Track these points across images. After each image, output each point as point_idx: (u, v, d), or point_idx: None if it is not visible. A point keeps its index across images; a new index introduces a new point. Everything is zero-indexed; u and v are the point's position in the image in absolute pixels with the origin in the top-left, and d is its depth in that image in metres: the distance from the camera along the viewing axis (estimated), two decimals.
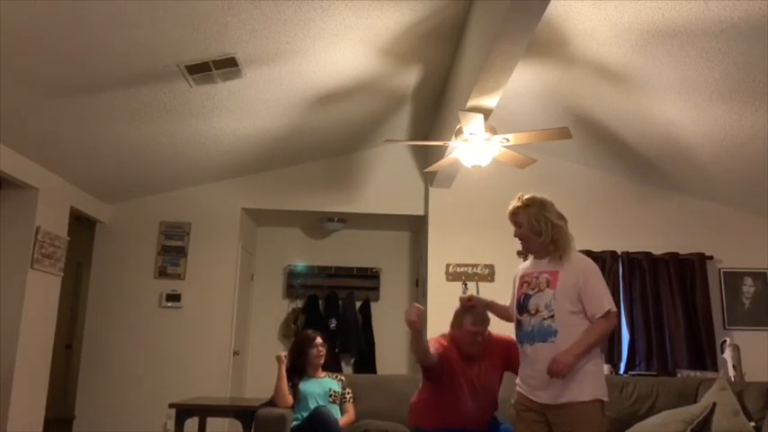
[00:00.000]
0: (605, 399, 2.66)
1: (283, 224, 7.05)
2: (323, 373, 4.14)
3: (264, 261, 7.05)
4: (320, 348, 4.13)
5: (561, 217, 2.98)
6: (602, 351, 2.87)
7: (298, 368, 4.07)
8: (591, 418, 2.61)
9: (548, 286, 2.75)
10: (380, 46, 4.29)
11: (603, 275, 5.93)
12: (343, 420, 3.86)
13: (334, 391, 4.01)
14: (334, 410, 3.90)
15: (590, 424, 2.61)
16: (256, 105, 4.78)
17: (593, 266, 2.81)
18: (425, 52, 4.60)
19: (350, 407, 4.03)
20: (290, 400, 3.91)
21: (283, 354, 4.09)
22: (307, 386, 4.00)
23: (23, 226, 4.85)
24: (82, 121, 4.44)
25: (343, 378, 4.18)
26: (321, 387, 4.00)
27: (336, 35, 4.03)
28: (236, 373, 6.20)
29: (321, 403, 3.88)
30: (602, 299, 2.70)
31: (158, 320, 5.98)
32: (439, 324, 5.91)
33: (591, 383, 2.64)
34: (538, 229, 2.88)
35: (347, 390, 4.08)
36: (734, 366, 5.05)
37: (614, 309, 2.69)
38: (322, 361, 4.14)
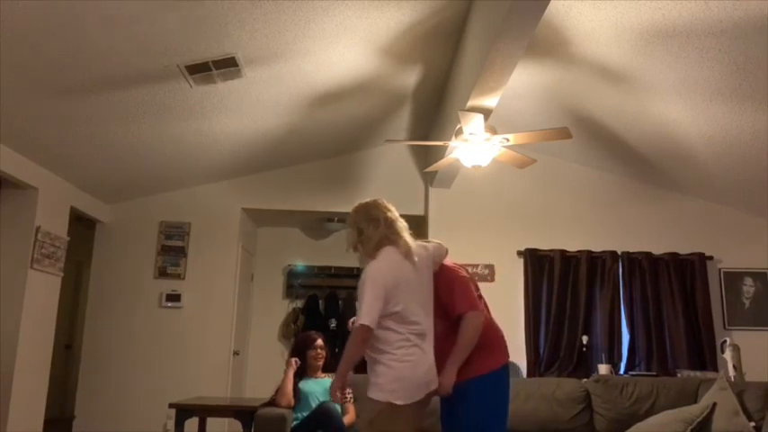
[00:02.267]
0: (396, 402, 2.56)
1: (283, 224, 7.05)
2: (323, 374, 4.13)
3: (264, 261, 7.05)
4: (319, 351, 4.12)
5: (372, 219, 2.81)
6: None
7: (298, 369, 4.07)
8: (376, 417, 2.60)
9: None
10: (380, 46, 4.29)
11: (603, 275, 6.00)
12: (344, 421, 3.87)
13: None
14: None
15: (377, 422, 2.60)
16: (256, 105, 4.78)
17: (369, 273, 2.63)
18: (425, 52, 4.60)
19: (350, 407, 4.02)
20: (292, 400, 3.92)
21: (295, 360, 4.09)
22: (307, 386, 4.02)
23: (23, 226, 4.85)
24: (82, 121, 4.44)
25: None
26: (321, 387, 4.01)
27: (336, 35, 4.03)
28: (236, 373, 6.20)
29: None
30: (359, 309, 2.57)
31: (158, 320, 5.98)
32: None
33: (372, 386, 2.62)
34: (350, 237, 2.85)
35: (348, 390, 4.08)
36: (734, 366, 5.05)
37: (364, 322, 2.52)
38: (320, 363, 4.13)
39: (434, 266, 2.85)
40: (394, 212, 2.90)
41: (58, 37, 3.45)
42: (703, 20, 3.62)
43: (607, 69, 4.40)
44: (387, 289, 2.58)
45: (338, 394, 2.68)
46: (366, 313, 2.54)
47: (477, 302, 2.80)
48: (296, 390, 3.98)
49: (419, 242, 2.87)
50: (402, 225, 2.82)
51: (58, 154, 4.85)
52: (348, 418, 3.93)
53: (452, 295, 2.78)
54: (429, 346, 2.68)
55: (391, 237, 2.74)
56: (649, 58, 4.13)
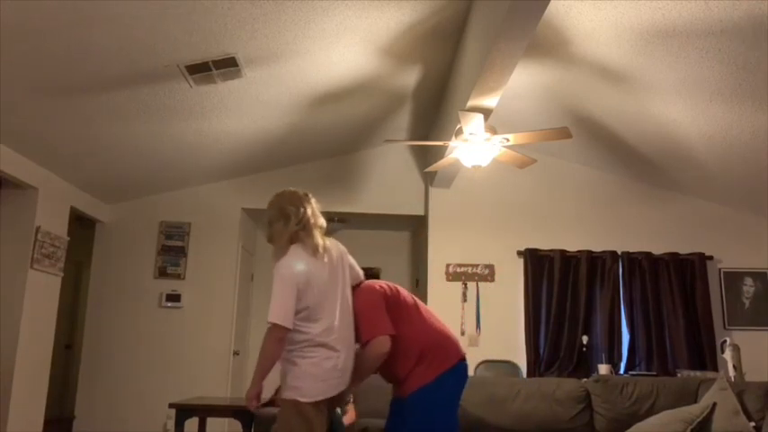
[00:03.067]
0: (301, 399, 2.54)
1: None
2: None
3: (264, 261, 7.04)
4: None
5: (284, 215, 2.69)
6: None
7: None
8: (282, 415, 2.60)
9: None
10: (380, 46, 4.29)
11: (603, 275, 6.00)
12: (344, 421, 3.86)
13: None
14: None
15: (281, 420, 2.60)
16: (256, 105, 4.78)
17: (279, 270, 2.58)
18: (425, 52, 4.60)
19: (350, 407, 4.02)
20: None
21: None
22: None
23: (23, 226, 4.85)
24: (82, 121, 4.44)
25: None
26: None
27: (336, 35, 4.03)
28: (236, 373, 6.20)
29: None
30: (271, 307, 2.51)
31: (158, 320, 5.98)
32: None
33: (287, 384, 2.60)
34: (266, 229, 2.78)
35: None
36: (734, 366, 5.05)
37: (277, 321, 2.47)
38: None
39: (354, 278, 2.81)
40: (313, 207, 2.77)
41: (58, 37, 3.45)
42: (703, 20, 3.62)
43: (607, 69, 4.40)
44: (298, 287, 2.54)
45: (254, 402, 2.62)
46: (277, 312, 2.49)
47: (381, 327, 2.69)
48: None
49: (335, 241, 2.82)
50: (317, 222, 2.74)
51: (58, 154, 4.85)
52: (348, 419, 3.92)
53: (358, 323, 2.73)
54: (342, 344, 2.62)
55: (300, 234, 2.66)
56: (649, 58, 4.13)
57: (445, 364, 2.74)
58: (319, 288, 2.60)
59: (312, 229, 2.68)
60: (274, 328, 2.50)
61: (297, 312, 2.54)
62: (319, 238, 2.68)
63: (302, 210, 2.69)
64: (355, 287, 2.83)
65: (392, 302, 2.79)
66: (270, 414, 3.72)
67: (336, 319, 2.62)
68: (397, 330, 2.71)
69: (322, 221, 2.77)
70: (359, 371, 2.69)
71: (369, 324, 2.69)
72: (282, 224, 2.68)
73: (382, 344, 2.65)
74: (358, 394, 3.98)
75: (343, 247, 2.85)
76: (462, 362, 2.83)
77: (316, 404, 2.56)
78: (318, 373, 2.56)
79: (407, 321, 2.77)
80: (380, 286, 2.86)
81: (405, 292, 2.92)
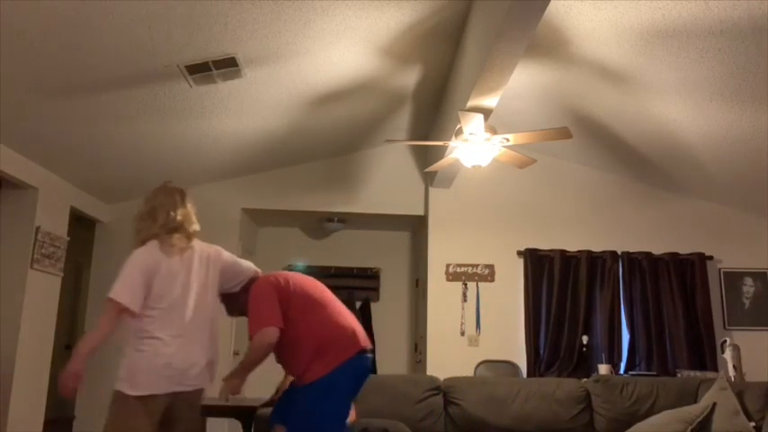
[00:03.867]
0: (127, 392, 2.56)
1: (283, 224, 7.06)
2: None
3: (264, 261, 7.04)
4: None
5: (150, 216, 2.83)
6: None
7: None
8: (111, 407, 2.61)
9: None
10: (380, 46, 4.29)
11: (603, 275, 6.01)
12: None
13: None
14: None
15: (110, 412, 2.61)
16: (256, 105, 4.78)
17: (130, 259, 2.68)
18: (425, 52, 4.60)
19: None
20: None
21: None
22: None
23: (23, 226, 4.85)
24: (82, 121, 4.44)
25: None
26: None
27: (336, 35, 4.03)
28: None
29: None
30: (114, 286, 2.61)
31: None
32: (439, 324, 5.94)
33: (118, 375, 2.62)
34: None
35: None
36: (734, 366, 5.05)
37: (115, 297, 2.54)
38: None
39: (234, 276, 2.94)
40: (186, 211, 2.91)
41: (58, 37, 3.45)
42: (703, 20, 3.62)
43: (607, 69, 4.40)
44: (146, 275, 2.61)
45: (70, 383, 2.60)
46: (119, 289, 2.56)
47: (267, 319, 2.76)
48: None
49: (207, 245, 2.91)
50: (183, 226, 2.85)
51: (58, 154, 4.85)
52: (349, 418, 3.90)
53: (248, 314, 2.82)
54: (186, 343, 2.65)
55: (160, 234, 2.76)
56: (649, 58, 4.13)
57: (341, 356, 2.79)
58: (165, 285, 2.65)
59: (174, 231, 2.78)
60: (110, 302, 2.56)
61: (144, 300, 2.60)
62: (177, 240, 2.77)
63: (172, 215, 2.81)
64: (251, 282, 2.94)
65: (287, 295, 2.86)
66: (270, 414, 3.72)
67: (186, 318, 2.67)
68: (293, 323, 2.78)
69: (193, 227, 2.90)
70: (245, 361, 2.76)
71: (255, 315, 2.77)
72: (148, 224, 2.80)
73: (267, 335, 2.71)
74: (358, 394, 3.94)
75: (217, 251, 2.95)
76: (362, 354, 2.86)
77: (142, 399, 2.56)
78: (148, 367, 2.58)
79: (304, 314, 2.84)
80: (275, 278, 2.94)
81: (308, 286, 2.99)
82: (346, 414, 2.87)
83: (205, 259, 2.86)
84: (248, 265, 3.04)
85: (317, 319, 2.86)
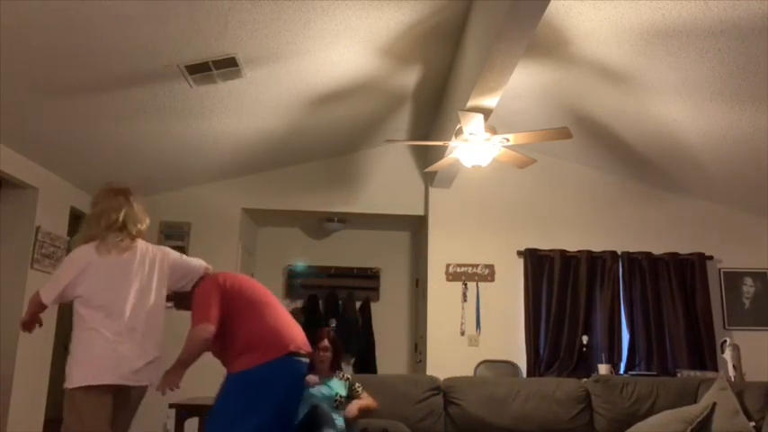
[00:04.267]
0: (70, 386, 2.66)
1: (283, 224, 7.06)
2: (329, 372, 3.81)
3: (264, 261, 7.05)
4: (321, 353, 3.77)
5: (95, 217, 2.94)
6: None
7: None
8: (68, 404, 2.68)
9: None
10: (380, 46, 4.29)
11: (603, 275, 6.01)
12: (362, 404, 3.65)
13: (341, 397, 3.73)
14: (338, 417, 3.63)
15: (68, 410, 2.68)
16: (256, 105, 4.78)
17: (67, 258, 2.87)
18: (425, 52, 4.60)
19: (365, 395, 3.78)
20: None
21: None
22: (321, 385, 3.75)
23: (23, 226, 4.85)
24: (82, 121, 4.44)
25: (349, 377, 3.90)
26: (328, 390, 3.72)
27: (336, 35, 4.03)
28: None
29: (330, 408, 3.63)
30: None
31: None
32: (439, 324, 5.93)
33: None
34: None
35: (356, 385, 3.83)
36: (734, 366, 5.05)
37: (41, 291, 2.74)
38: (324, 366, 3.79)
39: (184, 276, 3.03)
40: (127, 212, 2.94)
41: (58, 37, 3.45)
42: (703, 20, 3.62)
43: (607, 69, 4.40)
44: (76, 273, 2.72)
45: None
46: (46, 288, 2.77)
47: (205, 315, 2.88)
48: None
49: (152, 246, 2.98)
50: (126, 227, 2.90)
51: (58, 154, 4.85)
52: (367, 402, 3.71)
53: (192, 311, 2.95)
54: (130, 337, 2.76)
55: (101, 235, 2.85)
56: (649, 58, 4.13)
57: (268, 355, 2.88)
58: (95, 284, 2.74)
59: (115, 231, 2.86)
60: (35, 295, 2.78)
61: (76, 297, 2.73)
62: (116, 241, 2.83)
63: (114, 217, 2.89)
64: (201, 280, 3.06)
65: (229, 295, 2.97)
66: None
67: (124, 317, 2.76)
68: (231, 320, 2.92)
69: (137, 227, 2.94)
70: (182, 357, 2.88)
71: (196, 311, 2.92)
72: (92, 227, 2.91)
73: (203, 330, 2.84)
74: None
75: (164, 252, 3.01)
76: (289, 356, 2.93)
77: (86, 390, 2.64)
78: (85, 360, 2.68)
79: (243, 313, 2.96)
80: (220, 278, 3.03)
81: (249, 287, 3.09)
82: (259, 416, 2.87)
83: (149, 260, 2.91)
84: (198, 263, 3.11)
85: (253, 318, 2.97)
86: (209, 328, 2.86)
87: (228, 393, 2.91)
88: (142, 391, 2.86)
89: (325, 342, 3.80)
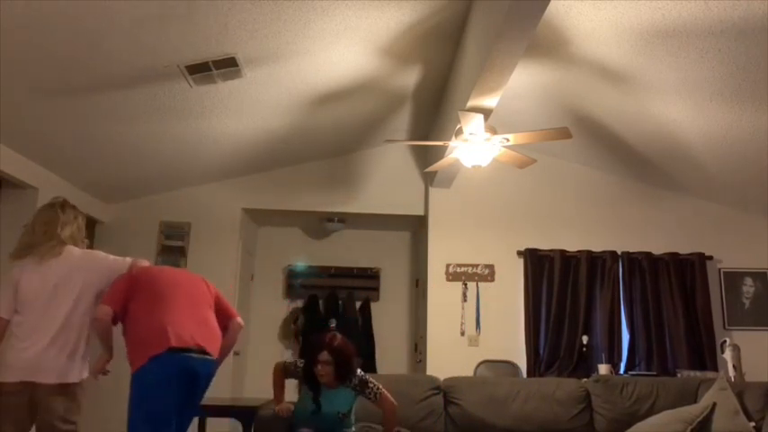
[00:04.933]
0: None
1: (283, 224, 7.06)
2: (335, 384, 3.51)
3: (264, 261, 7.05)
4: (321, 367, 3.47)
5: (30, 225, 3.20)
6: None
7: (310, 377, 3.55)
8: None
9: None
10: (380, 46, 4.29)
11: (603, 275, 6.01)
12: (387, 408, 3.48)
13: (342, 414, 3.46)
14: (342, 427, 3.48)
15: None
16: (256, 105, 4.78)
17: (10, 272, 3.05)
18: (425, 52, 4.60)
19: (382, 398, 3.49)
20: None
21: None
22: (323, 399, 3.51)
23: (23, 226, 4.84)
24: (82, 121, 4.44)
25: (357, 382, 3.51)
26: (330, 407, 3.48)
27: (336, 35, 4.03)
28: (236, 373, 6.20)
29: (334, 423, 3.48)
30: None
31: None
32: (439, 324, 5.93)
33: None
34: None
35: (369, 388, 3.48)
36: (734, 366, 5.05)
37: None
38: (324, 380, 3.49)
39: (111, 274, 3.09)
40: (64, 218, 3.13)
41: (58, 37, 3.45)
42: (703, 20, 3.62)
43: (607, 69, 4.40)
44: (12, 287, 2.95)
45: None
46: None
47: (108, 299, 2.99)
48: (317, 403, 3.53)
49: (77, 250, 3.11)
50: (53, 233, 3.08)
51: (58, 154, 4.85)
52: (386, 404, 3.50)
53: None
54: (38, 337, 2.88)
55: (33, 245, 3.08)
56: (649, 58, 4.13)
57: (149, 352, 2.90)
58: (25, 291, 2.94)
59: (45, 241, 3.06)
60: None
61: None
62: (44, 249, 3.03)
63: (45, 227, 3.11)
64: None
65: (135, 287, 3.04)
66: (270, 414, 3.71)
67: (35, 315, 2.91)
68: (129, 315, 2.99)
69: (65, 232, 3.10)
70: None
71: (102, 298, 3.02)
72: (27, 236, 3.17)
73: (102, 310, 2.96)
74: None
75: (89, 255, 3.15)
76: (168, 352, 2.89)
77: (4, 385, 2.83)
78: (5, 359, 2.87)
79: (138, 309, 2.99)
80: (135, 270, 3.11)
81: (159, 282, 3.10)
82: (154, 415, 2.89)
83: (74, 264, 3.03)
84: (123, 262, 3.16)
85: (143, 314, 2.99)
86: (103, 308, 2.95)
87: (130, 399, 2.95)
88: (59, 388, 2.91)
89: (325, 355, 3.46)
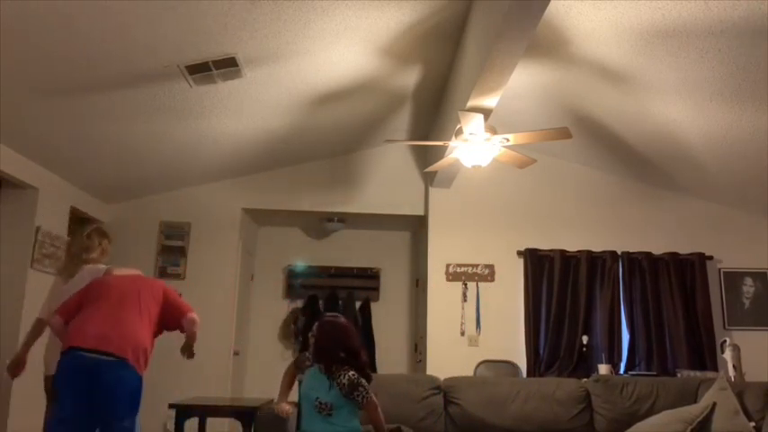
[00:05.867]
0: None
1: (283, 224, 7.06)
2: (321, 366, 3.35)
3: (264, 261, 7.05)
4: (310, 338, 3.43)
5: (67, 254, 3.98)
6: None
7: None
8: None
9: None
10: (380, 46, 4.29)
11: (603, 275, 6.04)
12: (371, 410, 3.29)
13: (320, 402, 3.26)
14: (322, 422, 3.26)
15: None
16: (256, 105, 4.78)
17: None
18: (425, 52, 4.60)
19: (367, 402, 3.26)
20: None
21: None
22: (310, 378, 3.39)
23: (23, 226, 4.85)
24: (82, 121, 4.44)
25: (345, 382, 3.24)
26: (312, 390, 3.34)
27: (336, 35, 4.03)
28: (237, 373, 6.20)
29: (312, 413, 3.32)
30: None
31: None
32: (439, 324, 5.93)
33: None
34: None
35: (360, 389, 3.23)
36: (734, 366, 5.05)
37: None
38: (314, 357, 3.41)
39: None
40: (90, 243, 3.70)
41: (58, 37, 3.45)
42: (703, 20, 3.62)
43: (607, 69, 4.40)
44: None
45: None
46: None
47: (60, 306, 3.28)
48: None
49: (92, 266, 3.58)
50: (82, 258, 3.65)
51: (58, 154, 4.85)
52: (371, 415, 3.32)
53: None
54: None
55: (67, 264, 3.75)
56: (649, 58, 4.13)
57: (63, 349, 3.03)
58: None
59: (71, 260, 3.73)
60: None
61: None
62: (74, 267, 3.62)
63: (72, 249, 3.80)
64: None
65: (87, 290, 3.28)
66: (270, 414, 3.71)
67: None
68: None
69: (87, 256, 3.65)
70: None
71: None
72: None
73: (53, 318, 3.26)
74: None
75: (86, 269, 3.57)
76: (69, 350, 2.98)
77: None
78: None
79: (86, 307, 3.17)
80: (98, 280, 3.35)
81: (105, 287, 3.26)
82: (62, 414, 2.97)
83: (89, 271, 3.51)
84: (98, 269, 3.51)
85: (83, 313, 3.16)
86: (52, 316, 3.28)
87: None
88: None
89: (314, 329, 3.44)
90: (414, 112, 5.76)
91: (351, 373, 3.25)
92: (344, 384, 3.22)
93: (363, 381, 3.28)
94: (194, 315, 3.47)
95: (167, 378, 5.79)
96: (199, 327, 3.51)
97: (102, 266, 3.54)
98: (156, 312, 3.32)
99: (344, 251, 7.03)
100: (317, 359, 3.36)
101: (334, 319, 3.45)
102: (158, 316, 3.35)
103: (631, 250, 5.99)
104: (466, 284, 6.00)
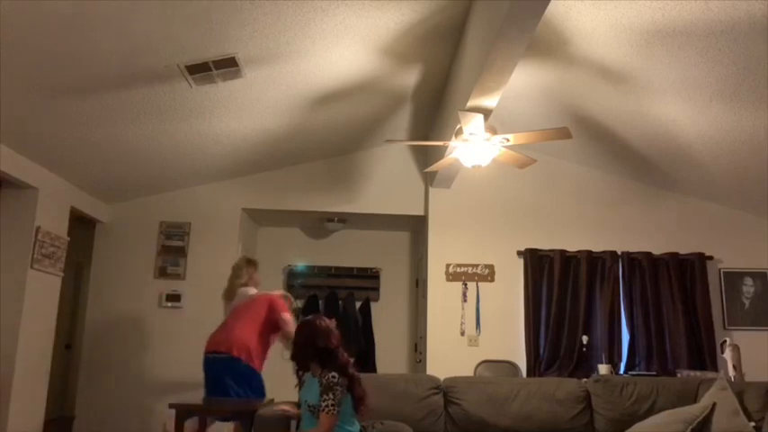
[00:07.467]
0: None
1: (283, 224, 7.06)
2: (318, 369, 3.29)
3: (264, 261, 7.02)
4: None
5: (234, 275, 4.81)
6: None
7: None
8: None
9: None
10: (380, 46, 4.29)
11: (603, 275, 6.03)
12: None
13: (310, 406, 3.23)
14: (313, 425, 3.19)
15: None
16: (256, 105, 4.78)
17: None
18: (425, 52, 4.60)
19: (323, 417, 3.12)
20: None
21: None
22: (306, 384, 3.41)
23: (23, 226, 4.85)
24: (82, 121, 4.44)
25: (324, 381, 3.16)
26: (304, 394, 3.34)
27: (336, 35, 4.03)
28: None
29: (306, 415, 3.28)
30: None
31: (158, 320, 5.98)
32: (439, 324, 5.94)
33: None
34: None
35: (330, 394, 3.13)
36: (734, 366, 5.05)
37: None
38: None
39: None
40: (238, 272, 4.73)
41: (58, 37, 3.45)
42: (703, 20, 3.62)
43: (607, 69, 4.40)
44: None
45: None
46: None
47: None
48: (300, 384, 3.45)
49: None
50: (237, 277, 4.71)
51: (58, 154, 4.85)
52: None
53: None
54: None
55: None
56: (649, 58, 4.13)
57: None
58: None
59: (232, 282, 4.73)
60: None
61: None
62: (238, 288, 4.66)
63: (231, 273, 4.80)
64: None
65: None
66: (270, 414, 3.71)
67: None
68: None
69: (238, 281, 4.68)
70: None
71: None
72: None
73: None
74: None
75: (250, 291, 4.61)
76: (207, 354, 4.37)
77: None
78: None
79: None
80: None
81: (244, 302, 4.51)
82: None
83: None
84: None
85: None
86: None
87: None
88: None
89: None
90: (414, 112, 5.76)
91: (332, 374, 3.16)
92: (323, 384, 3.15)
93: (339, 388, 3.15)
94: (285, 315, 4.41)
95: (167, 378, 5.81)
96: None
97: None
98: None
99: (344, 251, 7.03)
100: (292, 357, 3.35)
101: (311, 320, 3.38)
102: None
103: (631, 250, 6.00)
104: (466, 284, 6.00)
